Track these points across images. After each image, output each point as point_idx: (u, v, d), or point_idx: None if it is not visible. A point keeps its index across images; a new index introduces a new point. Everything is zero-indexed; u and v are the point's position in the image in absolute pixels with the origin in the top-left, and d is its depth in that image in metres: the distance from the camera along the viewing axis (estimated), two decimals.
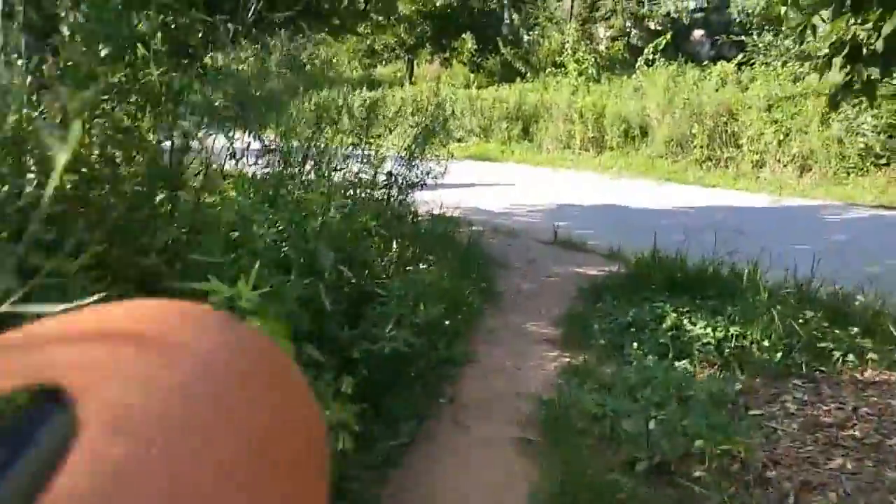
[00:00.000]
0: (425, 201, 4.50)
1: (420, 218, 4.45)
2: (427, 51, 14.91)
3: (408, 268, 3.58)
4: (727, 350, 3.14)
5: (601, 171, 9.80)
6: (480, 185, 8.01)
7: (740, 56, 12.33)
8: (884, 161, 8.46)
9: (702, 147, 9.72)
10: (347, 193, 3.40)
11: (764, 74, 10.98)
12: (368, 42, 14.69)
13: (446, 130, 5.17)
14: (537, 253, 5.04)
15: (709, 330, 3.27)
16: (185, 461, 0.19)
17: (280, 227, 2.42)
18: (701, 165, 9.69)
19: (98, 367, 0.20)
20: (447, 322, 3.18)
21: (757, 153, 9.31)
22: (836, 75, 3.55)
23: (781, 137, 9.15)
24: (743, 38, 13.14)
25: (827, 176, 8.66)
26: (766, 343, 3.14)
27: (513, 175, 9.31)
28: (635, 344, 3.22)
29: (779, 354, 3.07)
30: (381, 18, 14.01)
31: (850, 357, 3.07)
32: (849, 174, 8.57)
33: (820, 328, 3.24)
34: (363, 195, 3.63)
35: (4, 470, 0.17)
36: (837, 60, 3.44)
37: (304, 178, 3.24)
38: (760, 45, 9.67)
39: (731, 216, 6.50)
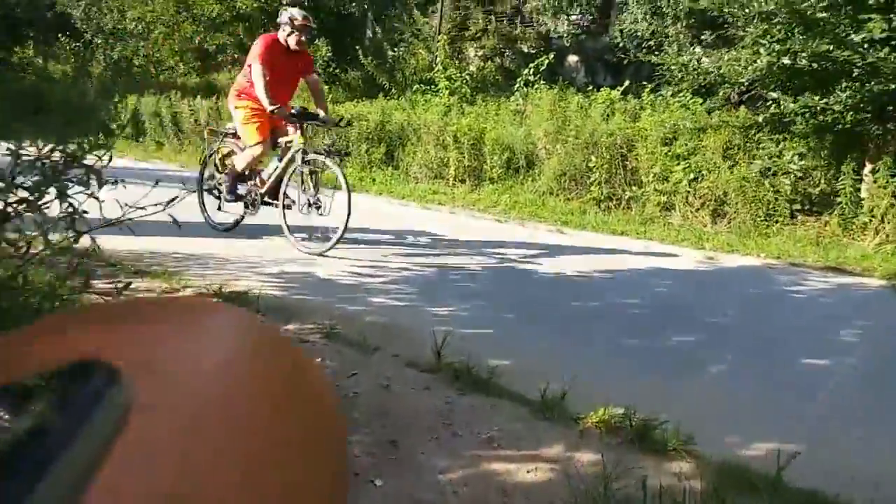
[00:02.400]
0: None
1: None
2: None
3: None
4: None
5: (482, 210, 7.88)
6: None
7: (626, 84, 11.01)
8: (812, 208, 7.18)
9: (600, 184, 8.07)
10: None
11: (653, 104, 9.67)
12: (197, 42, 12.03)
13: None
14: (405, 409, 2.45)
15: None
16: (221, 446, 0.20)
17: None
18: (600, 205, 8.03)
19: (146, 350, 0.21)
20: None
21: (664, 194, 7.78)
22: None
23: (692, 176, 7.68)
24: (630, 58, 11.88)
25: (745, 223, 7.25)
26: None
27: (370, 213, 7.15)
28: None
29: None
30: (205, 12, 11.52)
31: None
32: (772, 222, 7.19)
33: None
34: None
35: (65, 446, 0.19)
36: None
37: None
38: (674, 66, 8.38)
39: (676, 287, 4.70)
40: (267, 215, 5.30)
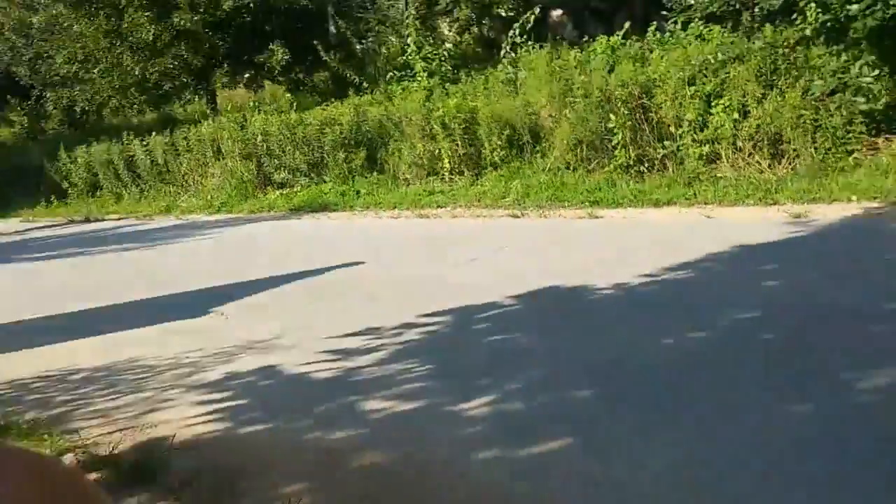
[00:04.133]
0: None
1: None
2: (223, 72, 11.10)
3: None
4: None
5: (490, 204, 6.54)
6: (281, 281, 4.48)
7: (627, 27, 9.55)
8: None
9: (625, 147, 6.68)
10: None
11: (661, 42, 8.27)
12: (137, 72, 10.66)
13: None
14: None
15: None
16: None
17: None
18: (629, 171, 6.65)
19: None
20: None
21: (704, 143, 6.38)
22: None
23: (735, 116, 6.27)
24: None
25: (813, 160, 5.84)
26: None
27: (354, 239, 5.85)
28: None
29: None
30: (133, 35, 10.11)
31: None
32: (843, 153, 5.78)
33: None
34: None
35: None
36: None
37: None
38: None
39: (795, 274, 3.37)
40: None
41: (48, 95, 14.61)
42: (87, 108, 12.73)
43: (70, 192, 11.71)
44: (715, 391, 2.35)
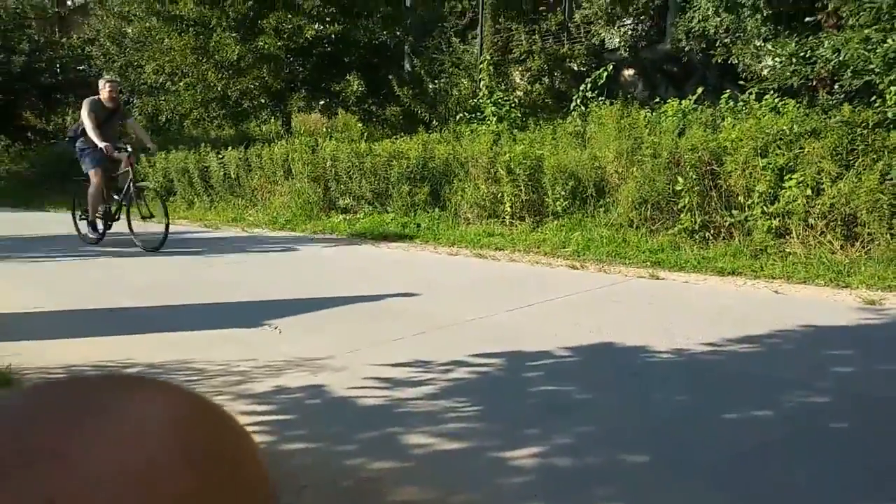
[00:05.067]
0: None
1: None
2: (300, 97, 11.44)
3: None
4: None
5: (549, 253, 6.49)
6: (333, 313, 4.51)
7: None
8: None
9: (691, 211, 6.58)
10: None
11: (733, 111, 8.18)
12: (219, 89, 11.09)
13: None
14: None
15: None
16: None
17: None
18: (693, 237, 6.53)
19: (59, 440, 0.20)
20: None
21: (774, 216, 6.22)
22: None
23: (808, 192, 6.11)
24: (697, 61, 10.39)
25: (890, 247, 5.63)
26: None
27: (409, 271, 5.86)
28: None
29: None
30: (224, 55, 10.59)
31: None
32: None
33: None
34: None
35: None
36: None
37: None
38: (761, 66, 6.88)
39: (868, 366, 3.22)
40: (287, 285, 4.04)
41: (135, 102, 15.31)
42: (169, 118, 13.26)
43: (146, 194, 12.18)
44: (781, 475, 2.23)
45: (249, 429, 1.45)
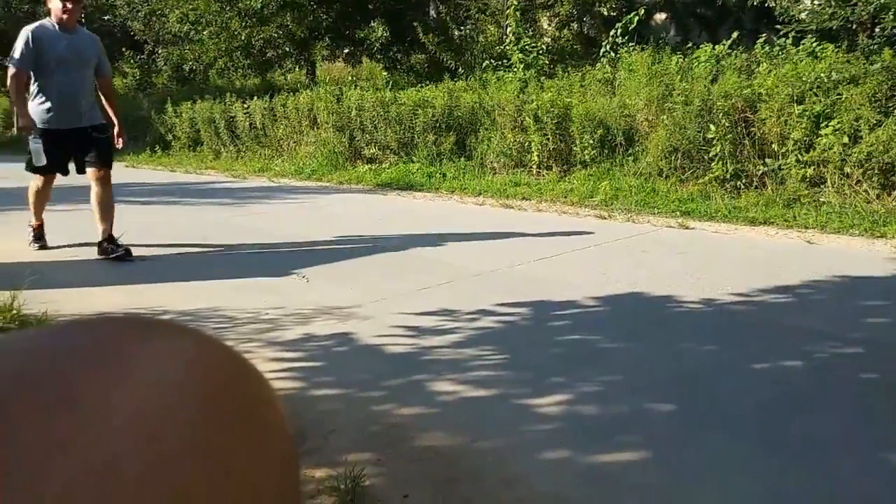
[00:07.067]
0: None
1: None
2: (324, 45, 11.29)
3: None
4: None
5: (577, 202, 6.42)
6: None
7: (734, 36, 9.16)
8: None
9: (723, 160, 6.43)
10: None
11: (769, 56, 7.87)
12: (244, 38, 10.98)
13: None
14: None
15: None
16: (146, 492, 0.19)
17: None
18: (725, 186, 6.40)
19: (67, 381, 0.20)
20: None
21: (809, 164, 6.06)
22: None
23: (845, 140, 5.92)
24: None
25: None
26: None
27: (435, 221, 5.84)
28: None
29: None
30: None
31: None
32: None
33: None
34: None
35: None
36: None
37: None
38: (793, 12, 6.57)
39: None
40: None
41: (160, 52, 15.27)
42: (194, 67, 13.21)
43: (173, 144, 12.32)
44: (808, 427, 2.22)
45: (278, 375, 1.48)
